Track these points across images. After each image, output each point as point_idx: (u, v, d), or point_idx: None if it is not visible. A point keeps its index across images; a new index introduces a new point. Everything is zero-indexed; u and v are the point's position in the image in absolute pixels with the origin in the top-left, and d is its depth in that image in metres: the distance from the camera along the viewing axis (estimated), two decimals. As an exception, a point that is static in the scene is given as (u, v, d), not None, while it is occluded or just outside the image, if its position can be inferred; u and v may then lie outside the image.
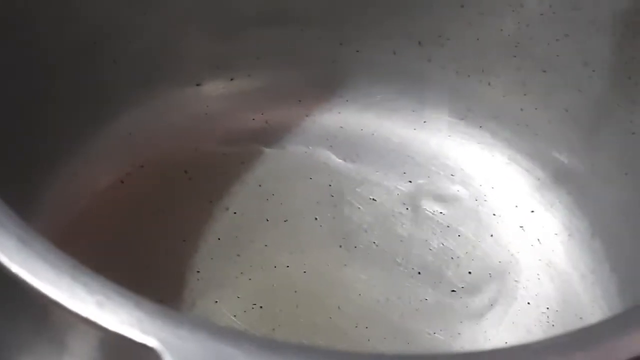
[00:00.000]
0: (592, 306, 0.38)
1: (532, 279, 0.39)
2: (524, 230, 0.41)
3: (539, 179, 0.41)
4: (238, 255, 0.39)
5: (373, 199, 0.41)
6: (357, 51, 0.43)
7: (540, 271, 0.39)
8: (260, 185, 0.41)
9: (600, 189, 0.39)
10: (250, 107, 0.43)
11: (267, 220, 0.40)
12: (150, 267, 0.38)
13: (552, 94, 0.40)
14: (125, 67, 0.41)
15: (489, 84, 0.42)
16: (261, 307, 0.37)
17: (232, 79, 0.43)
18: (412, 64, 0.42)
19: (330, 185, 0.41)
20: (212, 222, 0.39)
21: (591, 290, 0.38)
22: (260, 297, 0.37)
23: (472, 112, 0.43)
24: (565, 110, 0.40)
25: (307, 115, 0.43)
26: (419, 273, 0.39)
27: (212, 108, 0.43)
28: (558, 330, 0.37)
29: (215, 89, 0.43)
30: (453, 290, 0.38)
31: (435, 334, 0.37)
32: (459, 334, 0.37)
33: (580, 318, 0.38)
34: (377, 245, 0.40)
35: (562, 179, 0.41)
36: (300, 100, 0.43)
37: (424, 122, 0.43)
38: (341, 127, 0.43)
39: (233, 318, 0.36)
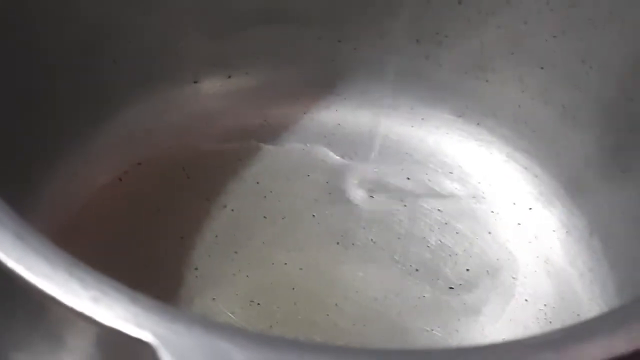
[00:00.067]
0: (589, 303, 0.38)
1: (529, 276, 0.39)
2: (521, 228, 0.41)
3: (536, 176, 0.41)
4: (236, 252, 0.39)
5: (371, 196, 0.41)
6: (355, 49, 0.43)
7: (537, 268, 0.39)
8: (257, 183, 0.41)
9: (599, 186, 0.39)
10: (248, 105, 0.43)
11: (265, 217, 0.40)
12: (148, 265, 0.38)
13: (549, 90, 0.40)
14: (123, 66, 0.41)
15: (487, 81, 0.42)
16: (259, 304, 0.37)
17: (229, 77, 0.43)
18: (410, 62, 0.42)
19: (327, 183, 0.41)
20: (209, 219, 0.39)
21: (589, 288, 0.38)
22: (257, 294, 0.37)
23: (469, 109, 0.43)
24: (563, 107, 0.40)
25: (305, 113, 0.43)
26: (417, 270, 0.39)
27: (210, 106, 0.43)
28: (555, 327, 0.37)
29: (213, 86, 0.43)
30: (451, 287, 0.38)
31: (433, 331, 0.37)
32: (457, 330, 0.37)
33: (578, 315, 0.38)
34: (374, 243, 0.40)
35: (560, 176, 0.41)
36: (298, 98, 0.43)
37: (422, 119, 0.43)
38: (339, 124, 0.43)
39: (231, 315, 0.36)
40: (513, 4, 0.40)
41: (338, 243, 0.39)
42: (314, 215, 0.40)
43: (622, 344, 0.23)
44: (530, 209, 0.41)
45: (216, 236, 0.39)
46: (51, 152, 0.39)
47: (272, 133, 0.42)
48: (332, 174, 0.41)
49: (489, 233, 0.40)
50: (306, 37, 0.42)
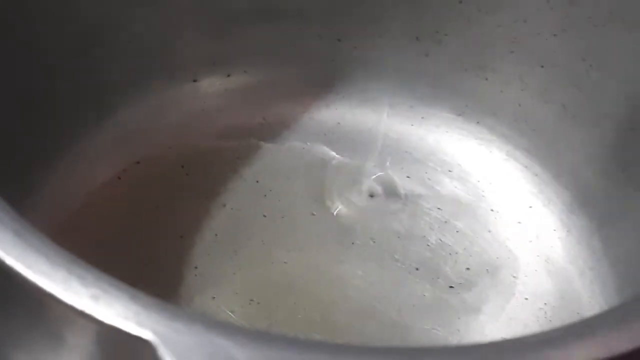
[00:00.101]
0: (590, 302, 0.38)
1: (530, 274, 0.39)
2: (522, 226, 0.41)
3: (537, 175, 0.41)
4: (235, 251, 0.39)
5: (370, 195, 0.41)
6: (355, 47, 0.43)
7: (538, 267, 0.39)
8: (257, 182, 0.41)
9: (599, 184, 0.39)
10: (247, 104, 0.43)
11: (265, 216, 0.40)
12: (148, 263, 0.38)
13: (550, 89, 0.40)
14: (122, 65, 0.41)
15: (487, 79, 0.42)
16: (258, 303, 0.37)
17: (228, 75, 0.43)
18: (410, 60, 0.42)
19: (327, 182, 0.41)
20: (209, 218, 0.39)
21: (589, 287, 0.38)
22: (257, 293, 0.37)
23: (469, 108, 0.43)
24: (563, 105, 0.40)
25: (304, 112, 0.43)
26: (417, 269, 0.39)
27: (209, 104, 0.43)
28: (555, 326, 0.37)
29: (212, 85, 0.43)
30: (451, 286, 0.38)
31: (433, 330, 0.37)
32: (457, 329, 0.37)
33: (578, 314, 0.38)
34: (374, 242, 0.40)
35: (560, 175, 0.41)
36: (297, 97, 0.43)
37: (422, 118, 0.43)
38: (338, 123, 0.43)
39: (230, 314, 0.36)
40: (513, 3, 0.40)
41: (338, 242, 0.39)
42: (313, 214, 0.40)
43: (622, 343, 0.23)
44: (530, 207, 0.41)
45: (216, 235, 0.39)
46: (51, 151, 0.39)
47: (272, 132, 0.42)
48: (331, 173, 0.41)
49: (489, 232, 0.40)
50: (306, 36, 0.42)
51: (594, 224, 0.39)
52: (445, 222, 0.40)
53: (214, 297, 0.37)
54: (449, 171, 0.42)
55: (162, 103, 0.42)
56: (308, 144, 0.42)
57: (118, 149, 0.41)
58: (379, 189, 0.41)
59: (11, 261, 0.22)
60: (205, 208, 0.40)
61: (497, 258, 0.39)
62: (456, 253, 0.39)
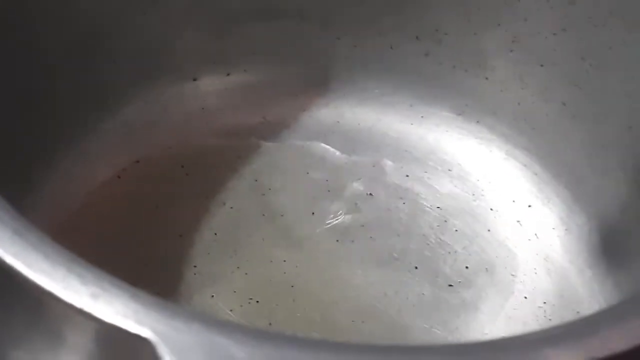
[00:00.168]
0: (589, 301, 0.38)
1: (529, 273, 0.39)
2: (521, 225, 0.41)
3: (536, 174, 0.41)
4: (235, 250, 0.39)
5: (370, 194, 0.41)
6: (354, 46, 0.43)
7: (537, 266, 0.39)
8: (256, 180, 0.41)
9: (598, 183, 0.39)
10: (246, 102, 0.43)
11: (264, 215, 0.40)
12: (148, 262, 0.38)
13: (549, 88, 0.41)
14: (122, 64, 0.41)
15: (487, 78, 0.42)
16: (257, 301, 0.37)
17: (228, 74, 0.43)
18: (410, 59, 0.42)
19: (327, 180, 0.41)
20: (208, 217, 0.39)
21: (588, 285, 0.38)
22: (256, 291, 0.37)
23: (469, 107, 0.43)
24: (562, 104, 0.40)
25: (304, 110, 0.43)
26: (416, 268, 0.39)
27: (209, 103, 0.43)
28: (555, 324, 0.37)
29: (211, 84, 0.43)
30: (450, 285, 0.38)
31: (432, 329, 0.37)
32: (456, 328, 0.37)
33: (578, 312, 0.38)
34: (374, 240, 0.40)
35: (560, 174, 0.41)
36: (297, 95, 0.43)
37: (421, 117, 0.43)
38: (338, 122, 0.43)
39: (229, 312, 0.36)
40: (513, 2, 0.40)
41: (337, 240, 0.39)
42: (313, 213, 0.40)
43: (622, 341, 0.23)
44: (529, 206, 0.41)
45: (215, 234, 0.39)
46: (50, 151, 0.39)
47: (271, 130, 0.42)
48: (331, 172, 0.41)
49: (489, 230, 0.40)
50: (305, 35, 0.42)
51: (593, 222, 0.39)
52: (445, 221, 0.40)
53: (213, 296, 0.37)
54: (449, 170, 0.42)
55: (162, 102, 0.42)
56: (308, 142, 0.42)
57: (118, 148, 0.41)
58: (378, 188, 0.41)
59: (11, 260, 0.22)
60: (205, 207, 0.40)
61: (497, 257, 0.39)
62: (455, 252, 0.39)
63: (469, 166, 0.42)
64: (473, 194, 0.41)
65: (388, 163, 0.42)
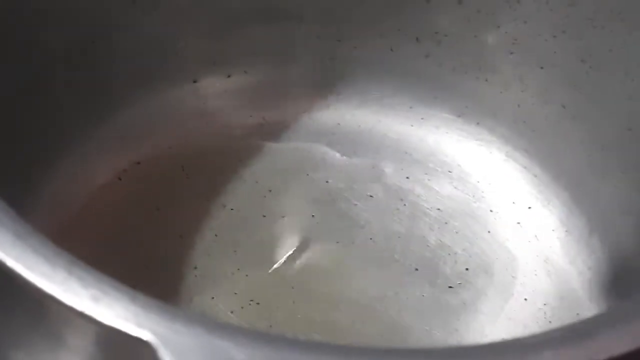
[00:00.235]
0: (589, 302, 0.38)
1: (529, 275, 0.39)
2: (521, 227, 0.41)
3: (536, 176, 0.41)
4: (235, 251, 0.39)
5: (370, 196, 0.41)
6: (355, 48, 0.43)
7: (537, 267, 0.39)
8: (257, 182, 0.41)
9: (598, 185, 0.39)
10: (247, 104, 0.43)
11: (264, 216, 0.40)
12: (148, 264, 0.38)
13: (549, 90, 0.41)
14: (123, 66, 0.41)
15: (486, 80, 0.42)
16: (258, 303, 0.37)
17: (229, 76, 0.43)
18: (410, 61, 0.42)
19: (327, 182, 0.41)
20: (209, 218, 0.39)
21: (588, 287, 0.38)
22: (257, 293, 0.37)
23: (469, 108, 0.43)
24: (562, 106, 0.40)
25: (304, 112, 0.43)
26: (416, 269, 0.39)
27: (209, 105, 0.43)
28: (555, 326, 0.37)
29: (212, 85, 0.43)
30: (450, 287, 0.38)
31: (433, 330, 0.37)
32: (456, 329, 0.37)
33: (578, 314, 0.38)
34: (374, 242, 0.40)
35: (560, 175, 0.41)
36: (297, 97, 0.43)
37: (422, 118, 0.43)
38: (338, 123, 0.43)
39: (230, 314, 0.36)
40: (513, 4, 0.40)
41: (337, 242, 0.39)
42: (313, 215, 0.40)
43: (622, 344, 0.23)
44: (529, 208, 0.41)
45: (215, 235, 0.39)
46: (51, 152, 0.39)
47: (272, 132, 0.42)
48: (331, 173, 0.41)
49: (489, 232, 0.40)
50: (306, 36, 0.42)
51: (593, 224, 0.39)
52: (445, 222, 0.40)
53: (213, 297, 0.37)
54: (449, 172, 0.42)
55: (163, 104, 0.42)
56: (308, 144, 0.42)
57: (118, 150, 0.41)
58: (378, 190, 0.41)
59: (11, 262, 0.22)
60: (205, 208, 0.40)
61: (497, 258, 0.39)
62: (455, 253, 0.39)
63: (469, 168, 0.42)
64: (473, 196, 0.42)
65: (388, 165, 0.42)
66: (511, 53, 0.41)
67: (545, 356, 0.22)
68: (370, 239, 0.40)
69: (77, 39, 0.39)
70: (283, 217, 0.40)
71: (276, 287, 0.38)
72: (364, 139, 0.43)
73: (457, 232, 0.40)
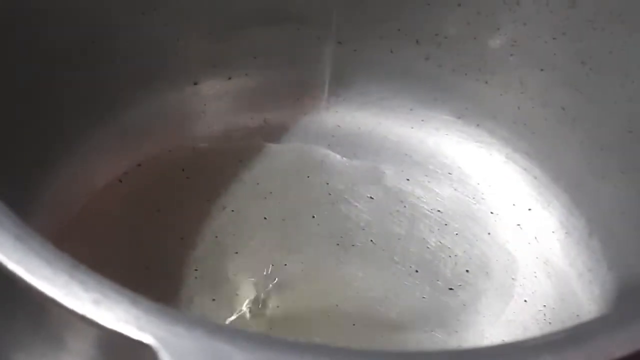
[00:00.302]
0: (589, 304, 0.38)
1: (529, 277, 0.39)
2: (521, 229, 0.41)
3: (536, 177, 0.41)
4: (236, 253, 0.39)
5: (370, 197, 0.41)
6: (355, 50, 0.43)
7: (537, 269, 0.39)
8: (258, 184, 0.41)
9: (598, 186, 0.39)
10: (247, 106, 0.43)
11: (265, 218, 0.40)
12: (149, 266, 0.38)
13: (549, 92, 0.41)
14: (123, 68, 0.41)
15: (486, 82, 0.42)
16: (258, 305, 0.37)
17: (229, 78, 0.43)
18: (410, 63, 0.42)
19: (327, 184, 0.41)
20: (210, 220, 0.39)
21: (588, 289, 0.38)
22: (257, 295, 0.37)
23: (469, 110, 0.43)
24: (562, 108, 0.40)
25: (304, 114, 0.43)
26: (417, 271, 0.39)
27: (210, 107, 0.43)
28: (555, 328, 0.37)
29: (212, 88, 0.43)
30: (450, 288, 0.39)
31: (433, 332, 0.37)
32: (456, 331, 0.37)
33: (578, 316, 0.38)
34: (374, 244, 0.40)
35: (559, 177, 0.41)
36: (297, 99, 0.43)
37: (422, 120, 0.43)
38: (338, 125, 0.43)
39: (230, 316, 0.36)
40: (512, 6, 0.40)
41: (338, 244, 0.39)
42: (313, 217, 0.40)
43: (622, 346, 0.23)
44: (529, 209, 0.41)
45: (216, 237, 0.39)
46: (51, 154, 0.39)
47: (272, 134, 0.43)
48: (332, 175, 0.41)
49: (489, 234, 0.40)
50: (306, 39, 0.42)
51: (592, 225, 0.39)
52: (445, 224, 0.40)
53: (214, 299, 0.37)
54: (449, 174, 0.42)
55: (163, 106, 0.42)
56: (308, 146, 0.42)
57: (119, 152, 0.41)
58: (378, 192, 0.41)
59: (13, 266, 0.22)
60: (206, 210, 0.40)
61: (497, 260, 0.40)
62: (456, 255, 0.40)
63: (469, 170, 0.42)
64: (473, 198, 0.42)
65: (388, 167, 0.42)
66: (511, 55, 0.41)
67: (545, 359, 0.22)
68: (371, 240, 0.40)
69: (77, 39, 0.38)
70: (283, 219, 0.40)
71: (277, 290, 0.38)
72: (364, 140, 0.43)
73: (457, 234, 0.40)
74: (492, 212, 0.41)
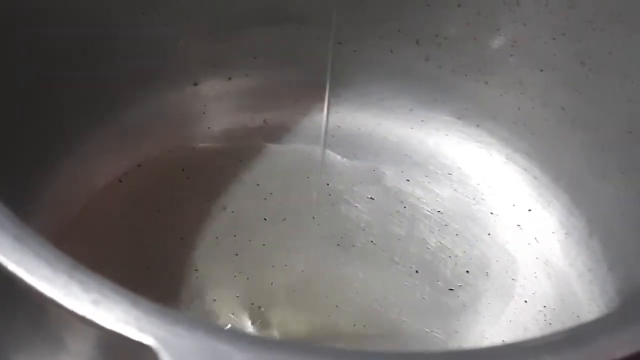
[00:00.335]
0: (589, 304, 0.38)
1: (529, 277, 0.39)
2: (521, 229, 0.41)
3: (536, 178, 0.41)
4: (236, 254, 0.39)
5: (371, 198, 0.41)
6: (355, 50, 0.43)
7: (537, 269, 0.39)
8: (258, 184, 0.41)
9: (598, 187, 0.39)
10: (248, 107, 0.43)
11: (265, 219, 0.40)
12: (149, 266, 0.38)
13: (549, 92, 0.41)
14: (123, 68, 0.41)
15: (486, 83, 0.42)
16: (259, 306, 0.37)
17: (229, 79, 0.43)
18: (410, 63, 0.42)
19: (328, 184, 0.41)
20: (210, 221, 0.39)
21: (588, 289, 0.38)
22: (258, 296, 0.37)
23: (469, 111, 0.43)
24: (562, 109, 0.40)
25: (304, 114, 0.43)
26: (417, 272, 0.39)
27: (210, 107, 0.43)
28: (555, 328, 0.37)
29: (212, 88, 0.43)
30: (450, 289, 0.39)
31: (433, 332, 0.37)
32: (456, 332, 0.37)
33: (578, 316, 0.38)
34: (374, 244, 0.40)
35: (559, 178, 0.41)
36: (298, 100, 0.43)
37: (422, 121, 0.43)
38: (339, 126, 0.43)
39: (231, 317, 0.37)
40: (512, 6, 0.40)
41: (338, 244, 0.39)
42: (314, 217, 0.40)
43: (623, 346, 0.23)
44: (529, 210, 0.41)
45: (216, 238, 0.39)
46: (51, 154, 0.39)
47: (272, 134, 0.43)
48: (332, 176, 0.41)
49: (489, 234, 0.40)
50: (306, 39, 0.42)
51: (592, 226, 0.39)
52: (445, 225, 0.40)
53: (214, 300, 0.37)
54: (449, 174, 0.42)
55: (163, 106, 0.42)
56: (308, 147, 0.42)
57: (119, 152, 0.41)
58: (378, 192, 0.41)
59: (12, 266, 0.22)
60: (206, 211, 0.40)
61: (497, 261, 0.40)
62: (456, 256, 0.40)
63: (469, 170, 0.42)
64: (473, 198, 0.42)
65: (388, 167, 0.42)
66: (511, 55, 0.41)
67: (545, 360, 0.22)
68: (371, 241, 0.40)
69: (77, 39, 0.38)
70: (284, 219, 0.40)
71: (277, 290, 0.38)
72: (364, 141, 0.43)
73: (457, 235, 0.40)
74: (492, 213, 0.41)
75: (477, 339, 0.37)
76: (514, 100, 0.41)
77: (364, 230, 0.40)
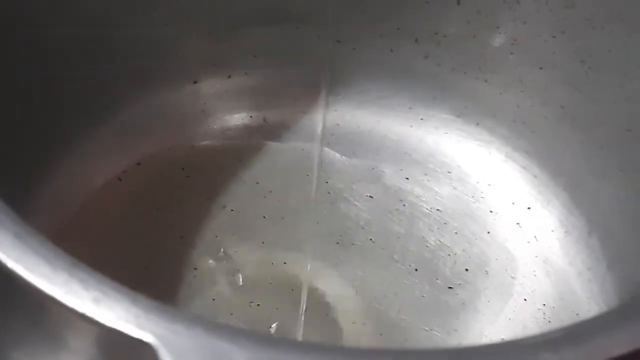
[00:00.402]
0: (588, 303, 0.38)
1: (528, 275, 0.39)
2: (520, 227, 0.41)
3: (535, 176, 0.41)
4: (235, 252, 0.39)
5: (370, 196, 0.41)
6: (354, 49, 0.43)
7: (536, 268, 0.39)
8: (257, 183, 0.41)
9: (597, 185, 0.39)
10: (247, 105, 0.43)
11: (265, 217, 0.40)
12: (148, 264, 0.38)
13: (548, 91, 0.41)
14: (123, 66, 0.41)
15: (486, 81, 0.42)
16: (258, 304, 0.37)
17: (229, 77, 0.43)
18: (409, 62, 0.42)
19: (327, 183, 0.41)
20: (209, 219, 0.39)
21: (588, 287, 0.38)
22: (257, 294, 0.37)
23: (468, 109, 0.43)
24: (561, 107, 0.40)
25: (304, 113, 0.43)
26: (416, 270, 0.39)
27: (209, 106, 0.43)
28: (554, 326, 0.37)
29: (212, 86, 0.43)
30: (450, 287, 0.39)
31: (432, 330, 0.37)
32: (456, 330, 0.37)
33: (577, 315, 0.38)
34: (374, 242, 0.40)
35: (559, 176, 0.41)
36: (297, 98, 0.43)
37: (421, 119, 0.43)
38: (338, 124, 0.43)
39: (230, 315, 0.37)
40: (512, 4, 0.40)
41: (337, 243, 0.39)
42: (313, 215, 0.40)
43: (621, 344, 0.23)
44: (529, 208, 0.41)
45: (216, 236, 0.39)
46: (51, 152, 0.39)
47: (272, 133, 0.43)
48: (331, 174, 0.41)
49: (488, 233, 0.40)
50: (305, 38, 0.42)
51: (592, 224, 0.39)
52: (445, 223, 0.41)
53: (214, 299, 0.37)
54: (448, 172, 0.42)
55: (163, 104, 0.42)
56: (308, 145, 0.42)
57: (118, 150, 0.41)
58: (378, 190, 0.41)
59: (12, 264, 0.22)
60: (206, 209, 0.40)
61: (496, 259, 0.40)
62: (455, 254, 0.40)
63: (468, 168, 0.42)
64: (472, 196, 0.42)
65: (388, 165, 0.42)
66: (511, 53, 0.41)
67: (544, 358, 0.22)
68: (370, 239, 0.40)
69: (77, 39, 0.38)
70: (283, 218, 0.40)
71: (276, 289, 0.38)
72: (364, 139, 0.43)
73: (456, 233, 0.40)
74: (491, 211, 0.41)
75: (476, 337, 0.37)
76: (514, 99, 0.41)
77: (363, 228, 0.40)
